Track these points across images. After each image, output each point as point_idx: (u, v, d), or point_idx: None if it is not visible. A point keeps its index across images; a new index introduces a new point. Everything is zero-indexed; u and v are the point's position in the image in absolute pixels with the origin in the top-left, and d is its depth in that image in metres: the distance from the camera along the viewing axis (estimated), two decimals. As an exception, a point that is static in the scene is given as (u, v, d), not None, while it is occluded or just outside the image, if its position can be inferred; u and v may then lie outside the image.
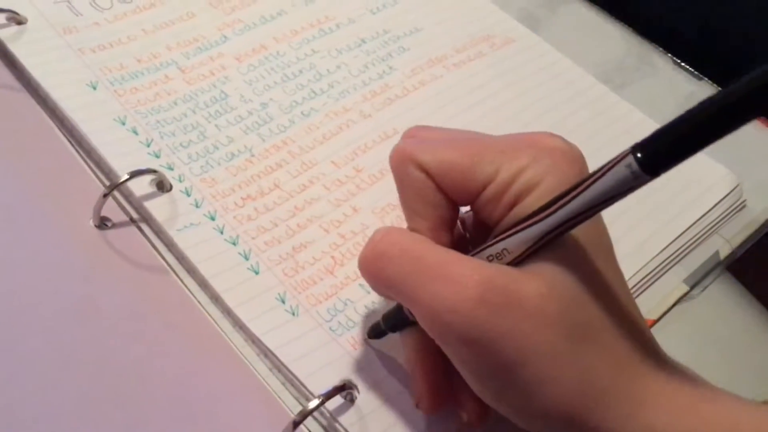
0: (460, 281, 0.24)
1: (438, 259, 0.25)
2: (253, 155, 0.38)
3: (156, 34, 0.42)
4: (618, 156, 0.21)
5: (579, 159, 0.27)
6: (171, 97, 0.40)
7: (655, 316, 0.37)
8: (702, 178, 0.41)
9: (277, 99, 0.41)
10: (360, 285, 0.34)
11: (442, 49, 0.45)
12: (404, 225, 0.33)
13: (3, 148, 0.36)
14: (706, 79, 0.48)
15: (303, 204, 0.37)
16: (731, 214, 0.40)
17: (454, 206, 0.28)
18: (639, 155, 0.20)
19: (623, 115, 0.44)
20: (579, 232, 0.25)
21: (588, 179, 0.22)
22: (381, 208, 0.37)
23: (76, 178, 0.36)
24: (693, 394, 0.25)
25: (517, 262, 0.25)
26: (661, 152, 0.20)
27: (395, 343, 0.31)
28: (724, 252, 0.39)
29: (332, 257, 0.35)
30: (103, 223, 0.34)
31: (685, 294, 0.38)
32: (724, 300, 0.39)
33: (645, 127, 0.44)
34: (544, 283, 0.24)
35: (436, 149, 0.27)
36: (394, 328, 0.30)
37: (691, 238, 0.39)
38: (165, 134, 0.38)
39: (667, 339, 0.27)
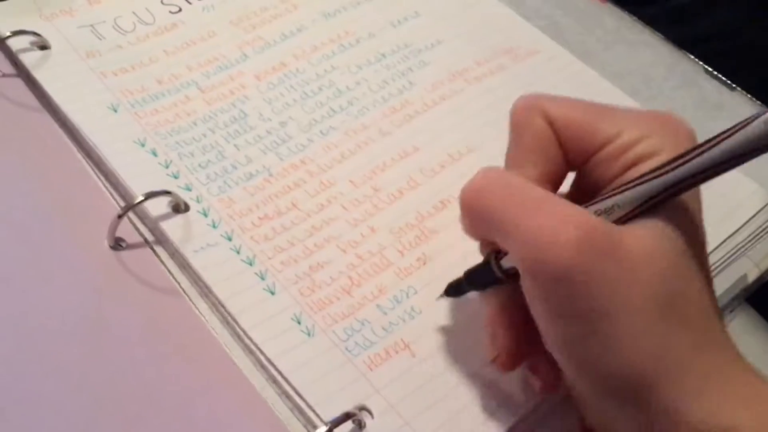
0: (564, 218, 0.24)
1: (543, 195, 0.25)
2: (271, 175, 0.38)
3: (177, 55, 0.43)
4: (752, 116, 0.21)
5: None
6: (190, 117, 0.40)
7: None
8: (730, 194, 0.39)
9: (296, 117, 0.41)
10: (377, 306, 0.34)
11: (463, 62, 0.45)
12: (425, 245, 0.36)
13: (21, 167, 0.37)
14: (739, 89, 0.46)
15: (320, 224, 0.36)
16: (761, 234, 0.39)
17: (566, 166, 0.28)
18: None
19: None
20: (684, 203, 0.25)
21: (714, 139, 0.22)
22: (399, 228, 0.37)
23: (93, 199, 0.36)
24: (765, 384, 0.24)
25: (623, 221, 0.25)
26: None
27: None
28: (752, 276, 0.38)
29: (349, 277, 0.35)
30: (117, 243, 0.35)
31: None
32: (745, 333, 0.38)
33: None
34: (649, 242, 0.24)
35: (564, 103, 0.28)
36: (477, 287, 0.30)
37: (718, 260, 0.37)
38: (184, 155, 0.38)
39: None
